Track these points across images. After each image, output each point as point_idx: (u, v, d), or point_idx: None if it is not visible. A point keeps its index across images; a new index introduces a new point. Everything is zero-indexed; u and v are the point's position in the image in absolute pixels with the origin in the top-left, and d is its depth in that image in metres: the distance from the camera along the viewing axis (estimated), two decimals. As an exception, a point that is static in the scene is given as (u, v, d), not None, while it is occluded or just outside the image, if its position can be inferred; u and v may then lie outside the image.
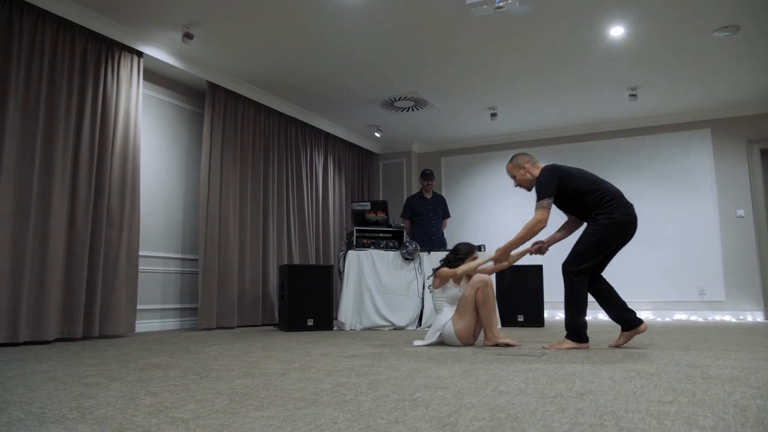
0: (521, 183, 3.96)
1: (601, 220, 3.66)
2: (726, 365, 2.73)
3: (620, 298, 3.75)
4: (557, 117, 7.90)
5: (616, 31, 5.33)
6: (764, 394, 1.97)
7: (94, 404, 1.88)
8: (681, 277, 7.53)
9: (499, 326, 4.18)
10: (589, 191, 3.74)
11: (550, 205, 3.74)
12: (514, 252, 3.89)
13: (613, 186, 3.80)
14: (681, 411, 1.68)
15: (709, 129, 7.70)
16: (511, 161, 4.01)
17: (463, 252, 4.05)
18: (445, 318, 3.89)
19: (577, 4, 4.85)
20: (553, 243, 4.00)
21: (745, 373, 2.47)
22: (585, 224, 3.84)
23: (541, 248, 3.96)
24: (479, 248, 6.17)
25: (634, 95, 6.89)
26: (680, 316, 7.41)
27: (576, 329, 3.65)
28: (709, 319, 7.22)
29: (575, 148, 8.30)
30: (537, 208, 3.71)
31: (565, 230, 4.05)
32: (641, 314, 7.05)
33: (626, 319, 3.70)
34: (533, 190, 3.88)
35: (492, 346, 3.76)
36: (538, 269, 6.10)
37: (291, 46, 5.64)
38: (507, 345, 3.72)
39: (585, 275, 3.67)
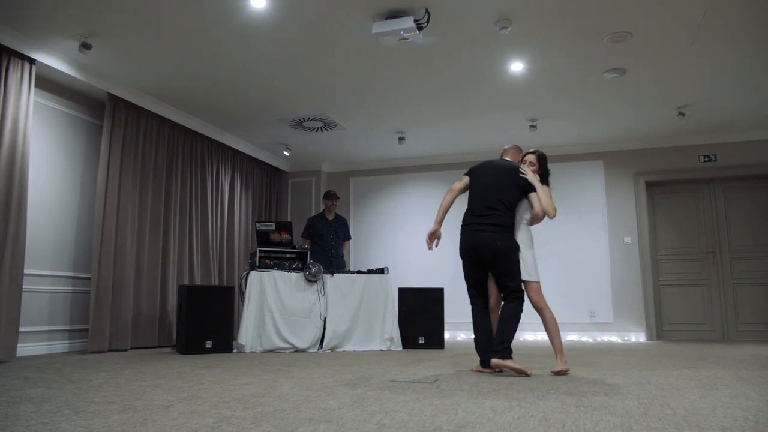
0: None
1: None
2: (600, 391, 2.90)
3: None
4: (463, 142, 8.15)
5: (516, 66, 5.61)
6: (626, 422, 2.11)
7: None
8: (574, 300, 7.92)
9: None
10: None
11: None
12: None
13: (476, 199, 4.06)
14: (547, 444, 1.78)
15: (602, 161, 8.21)
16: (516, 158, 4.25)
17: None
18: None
19: (479, 39, 5.06)
20: None
21: (614, 399, 2.63)
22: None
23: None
24: (382, 271, 6.25)
25: (534, 126, 7.24)
26: (573, 336, 7.79)
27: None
28: (599, 339, 7.64)
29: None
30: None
31: None
32: (538, 335, 7.38)
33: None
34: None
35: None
36: (439, 292, 6.23)
37: (195, 61, 5.53)
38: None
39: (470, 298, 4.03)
